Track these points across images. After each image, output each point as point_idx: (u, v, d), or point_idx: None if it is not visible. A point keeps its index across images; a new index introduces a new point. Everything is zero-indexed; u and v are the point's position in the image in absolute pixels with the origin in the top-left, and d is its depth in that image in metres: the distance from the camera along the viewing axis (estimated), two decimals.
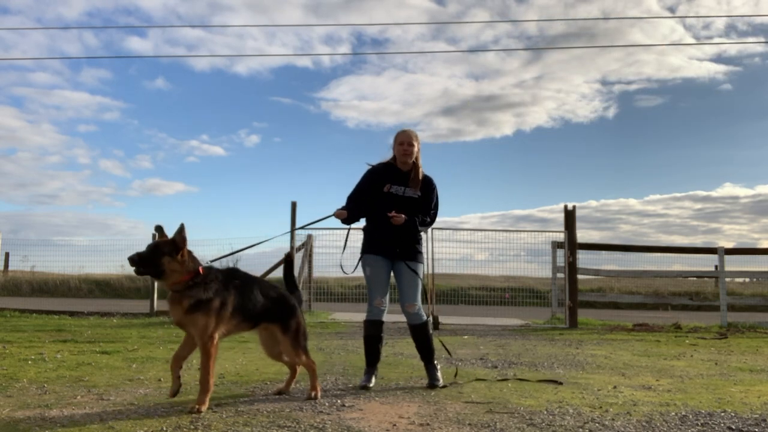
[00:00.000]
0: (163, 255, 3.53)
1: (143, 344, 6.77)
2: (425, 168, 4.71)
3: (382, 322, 4.56)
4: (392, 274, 4.63)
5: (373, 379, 4.49)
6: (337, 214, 4.49)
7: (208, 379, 3.54)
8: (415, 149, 4.58)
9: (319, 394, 3.95)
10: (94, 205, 35.19)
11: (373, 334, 4.55)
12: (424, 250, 4.74)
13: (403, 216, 4.43)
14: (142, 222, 35.02)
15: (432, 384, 4.44)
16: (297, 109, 33.39)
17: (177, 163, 34.33)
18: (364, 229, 4.68)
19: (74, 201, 34.60)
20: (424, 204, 4.61)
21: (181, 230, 3.61)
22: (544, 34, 27.63)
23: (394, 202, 4.52)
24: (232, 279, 3.77)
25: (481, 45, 30.43)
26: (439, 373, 4.55)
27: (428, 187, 4.64)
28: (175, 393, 3.68)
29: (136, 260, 3.54)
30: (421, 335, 4.58)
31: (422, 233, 4.73)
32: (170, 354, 5.99)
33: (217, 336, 3.59)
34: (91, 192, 34.64)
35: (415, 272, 4.54)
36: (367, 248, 4.60)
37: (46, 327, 8.63)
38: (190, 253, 3.62)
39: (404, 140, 4.57)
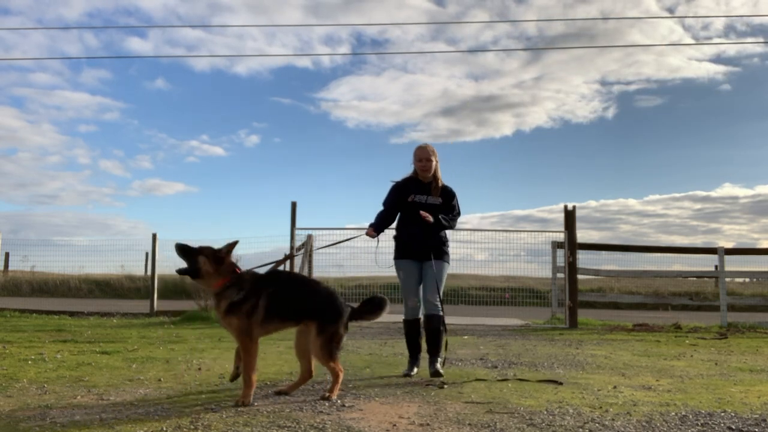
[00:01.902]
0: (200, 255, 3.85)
1: (143, 344, 6.77)
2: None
3: (418, 320, 5.05)
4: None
5: (415, 369, 4.97)
6: (368, 233, 5.00)
7: (250, 375, 3.76)
8: (433, 163, 5.03)
9: (333, 398, 3.89)
10: (94, 205, 35.23)
11: (412, 330, 5.04)
12: (450, 251, 5.19)
13: (430, 217, 4.88)
14: (142, 222, 35.09)
15: (434, 373, 4.70)
16: (297, 110, 33.42)
17: (177, 163, 34.37)
18: (395, 238, 5.16)
19: (74, 201, 34.64)
20: (446, 210, 5.06)
21: (230, 246, 3.94)
22: (544, 34, 27.64)
23: (418, 208, 4.96)
24: (267, 281, 3.97)
25: (481, 45, 30.45)
26: (439, 365, 4.82)
27: (448, 195, 5.11)
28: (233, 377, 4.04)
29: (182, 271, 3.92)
30: (434, 326, 4.90)
31: (446, 237, 5.16)
32: (170, 354, 6.01)
33: (255, 334, 3.80)
34: (91, 192, 34.68)
35: (439, 269, 4.95)
36: (399, 254, 5.07)
37: (46, 327, 8.64)
38: (224, 258, 3.87)
39: (423, 156, 5.02)
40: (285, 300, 3.92)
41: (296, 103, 33.25)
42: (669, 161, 35.02)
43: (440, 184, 5.08)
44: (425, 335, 4.97)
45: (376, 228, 5.02)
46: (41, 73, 31.71)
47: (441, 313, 4.90)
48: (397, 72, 33.36)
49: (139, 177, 34.17)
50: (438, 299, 4.88)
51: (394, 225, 5.19)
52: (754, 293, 14.83)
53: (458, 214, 5.13)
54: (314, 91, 34.25)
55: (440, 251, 5.02)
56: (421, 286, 5.00)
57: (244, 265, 4.17)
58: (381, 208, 5.16)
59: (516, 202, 39.64)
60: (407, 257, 5.01)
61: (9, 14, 29.16)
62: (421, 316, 5.02)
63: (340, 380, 4.03)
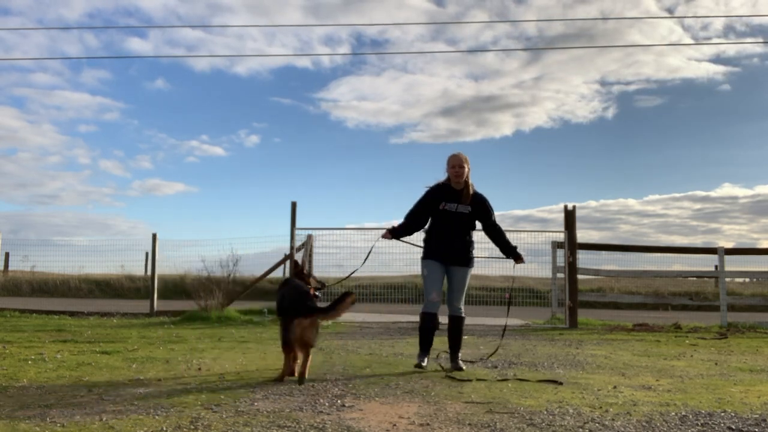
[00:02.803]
0: None
1: (143, 344, 6.76)
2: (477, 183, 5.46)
3: (436, 315, 5.27)
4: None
5: (426, 360, 5.24)
6: (384, 235, 5.37)
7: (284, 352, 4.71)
8: (465, 170, 5.29)
9: (292, 375, 4.59)
10: (94, 205, 35.24)
11: (428, 325, 5.25)
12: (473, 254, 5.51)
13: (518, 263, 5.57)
14: (142, 222, 35.09)
15: (456, 367, 5.19)
16: (297, 110, 33.43)
17: (177, 163, 34.37)
18: (425, 240, 5.46)
19: (74, 201, 34.64)
20: (481, 216, 5.40)
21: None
22: (543, 34, 27.65)
23: (448, 217, 5.28)
24: (281, 286, 4.93)
25: (481, 45, 30.47)
26: (460, 361, 5.30)
27: (479, 201, 5.39)
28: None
29: None
30: (458, 327, 5.35)
31: (471, 240, 5.47)
32: (170, 354, 6.01)
33: (283, 323, 4.61)
34: (91, 192, 34.68)
35: (465, 277, 5.35)
36: (427, 254, 5.36)
37: (46, 327, 8.63)
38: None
39: (455, 164, 5.29)
40: (279, 300, 4.78)
41: (296, 103, 33.27)
42: (669, 161, 35.05)
43: (471, 191, 5.34)
44: (449, 334, 5.35)
45: (396, 233, 5.36)
46: (41, 73, 31.76)
47: (463, 316, 5.38)
48: (397, 72, 33.41)
49: (139, 177, 34.20)
50: (462, 304, 5.37)
51: (426, 227, 5.49)
52: (754, 293, 14.82)
53: (494, 219, 5.51)
54: (314, 91, 34.29)
55: (466, 258, 5.34)
56: (448, 291, 5.37)
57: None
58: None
59: (516, 202, 39.70)
60: (434, 258, 5.30)
61: (9, 14, 29.20)
62: (437, 312, 5.34)
63: (283, 363, 4.63)
